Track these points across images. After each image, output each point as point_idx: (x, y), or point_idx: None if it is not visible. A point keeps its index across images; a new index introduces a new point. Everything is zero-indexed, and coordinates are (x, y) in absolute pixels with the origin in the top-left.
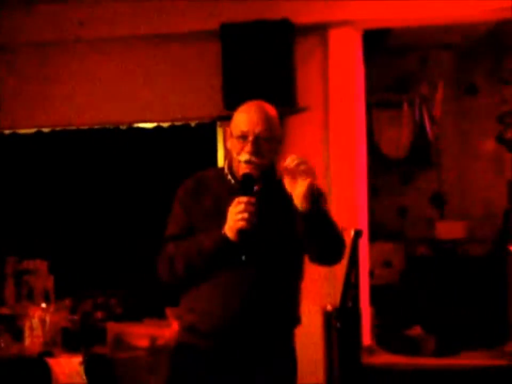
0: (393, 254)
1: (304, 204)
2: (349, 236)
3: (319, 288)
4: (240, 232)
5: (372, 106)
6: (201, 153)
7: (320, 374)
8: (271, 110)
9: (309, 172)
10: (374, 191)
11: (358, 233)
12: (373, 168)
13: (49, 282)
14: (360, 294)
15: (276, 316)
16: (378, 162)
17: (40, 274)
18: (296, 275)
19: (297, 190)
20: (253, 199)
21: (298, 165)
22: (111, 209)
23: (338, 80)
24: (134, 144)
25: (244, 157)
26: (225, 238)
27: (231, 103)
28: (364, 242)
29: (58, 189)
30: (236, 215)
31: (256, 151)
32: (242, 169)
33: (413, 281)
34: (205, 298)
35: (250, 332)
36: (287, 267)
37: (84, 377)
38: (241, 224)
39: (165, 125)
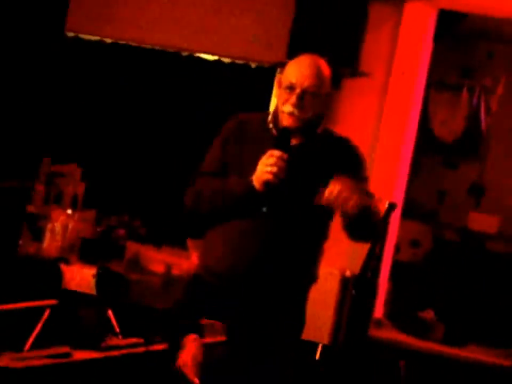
0: (423, 235)
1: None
2: (383, 207)
3: (342, 251)
4: (266, 184)
5: (431, 86)
6: (255, 96)
7: (326, 335)
8: (325, 67)
9: (351, 197)
10: (416, 169)
11: (392, 206)
12: (419, 146)
13: (80, 190)
14: (381, 267)
15: (291, 269)
16: (426, 141)
17: (72, 179)
18: (319, 234)
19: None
20: (285, 156)
21: (338, 196)
22: (155, 131)
23: (404, 53)
24: (191, 72)
25: (288, 108)
26: (251, 186)
27: (295, 52)
28: (395, 217)
29: (109, 100)
30: (265, 167)
31: (300, 105)
32: (285, 120)
33: (436, 266)
34: (223, 241)
35: (264, 281)
36: (309, 225)
37: (94, 289)
38: (268, 177)
39: (226, 60)
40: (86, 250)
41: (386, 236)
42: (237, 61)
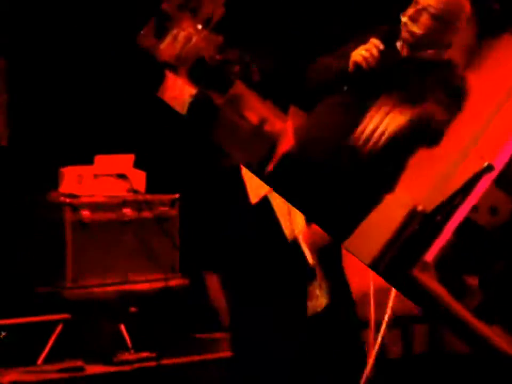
0: (504, 207)
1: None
2: (480, 166)
3: (425, 185)
4: (355, 65)
5: None
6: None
7: (370, 255)
8: (465, 1)
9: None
10: None
11: (488, 168)
12: None
13: (218, 12)
14: (453, 216)
15: (361, 162)
16: None
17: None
18: (395, 144)
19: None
20: (382, 46)
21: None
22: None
23: None
24: None
25: (404, 18)
26: (347, 65)
27: None
28: (487, 179)
29: None
30: (360, 50)
31: (414, 18)
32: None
33: (504, 240)
34: (309, 122)
35: (326, 176)
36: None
37: (185, 109)
38: (358, 58)
39: None
40: (196, 70)
41: (471, 192)
42: None
